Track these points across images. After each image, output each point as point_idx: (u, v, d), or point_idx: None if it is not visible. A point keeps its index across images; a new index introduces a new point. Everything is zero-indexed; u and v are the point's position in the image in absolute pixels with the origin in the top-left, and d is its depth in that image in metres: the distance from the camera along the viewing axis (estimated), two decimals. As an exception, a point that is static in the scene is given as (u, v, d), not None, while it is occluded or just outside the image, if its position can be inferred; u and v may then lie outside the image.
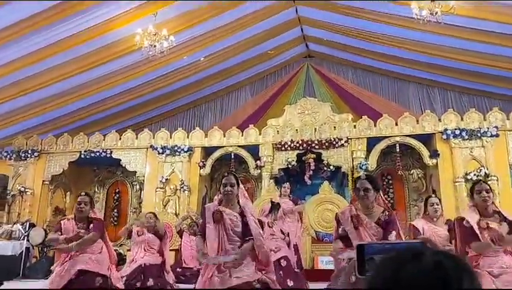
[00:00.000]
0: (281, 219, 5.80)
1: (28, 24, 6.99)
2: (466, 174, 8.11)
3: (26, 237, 8.10)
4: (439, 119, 8.77)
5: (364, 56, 10.71)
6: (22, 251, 7.65)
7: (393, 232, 3.26)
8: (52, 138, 10.10)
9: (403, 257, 0.73)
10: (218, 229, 3.52)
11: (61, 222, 4.24)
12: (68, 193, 10.47)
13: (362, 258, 0.88)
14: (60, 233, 4.10)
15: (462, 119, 8.64)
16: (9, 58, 7.74)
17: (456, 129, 8.46)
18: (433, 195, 4.86)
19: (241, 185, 3.74)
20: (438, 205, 4.53)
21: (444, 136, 8.50)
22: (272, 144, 9.28)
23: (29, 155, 9.84)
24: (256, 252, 3.54)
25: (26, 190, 9.50)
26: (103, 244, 4.21)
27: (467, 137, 8.38)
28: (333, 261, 3.63)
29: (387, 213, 3.36)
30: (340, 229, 3.45)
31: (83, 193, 4.31)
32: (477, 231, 3.47)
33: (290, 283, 5.15)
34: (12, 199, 9.36)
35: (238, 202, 3.66)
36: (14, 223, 8.69)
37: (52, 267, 4.25)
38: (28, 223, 8.45)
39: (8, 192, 9.18)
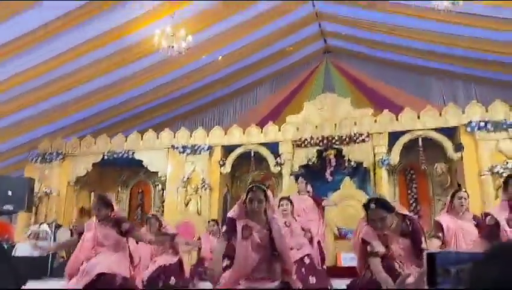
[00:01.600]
0: (296, 214, 5.69)
1: (46, 30, 7.16)
2: (492, 167, 7.90)
3: (52, 238, 8.30)
4: (463, 112, 8.54)
5: (383, 49, 10.55)
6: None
7: (423, 239, 3.15)
8: (75, 140, 10.31)
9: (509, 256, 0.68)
10: (245, 246, 3.47)
11: (85, 224, 4.40)
12: (93, 193, 10.68)
13: (433, 268, 0.82)
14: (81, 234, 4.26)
15: (486, 110, 8.40)
16: (31, 63, 7.92)
17: (480, 121, 8.22)
18: (463, 189, 4.65)
19: (270, 199, 3.57)
20: (465, 199, 4.29)
21: (469, 129, 8.28)
22: (292, 140, 9.24)
23: (54, 158, 10.08)
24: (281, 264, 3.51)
25: (52, 192, 9.73)
26: (125, 243, 4.21)
27: (492, 129, 8.13)
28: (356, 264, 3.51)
29: (408, 222, 3.21)
30: (369, 247, 3.22)
31: (96, 196, 4.41)
32: (505, 227, 3.27)
33: (313, 280, 5.11)
34: (39, 201, 9.61)
35: (265, 213, 3.54)
36: (41, 224, 8.92)
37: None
38: (54, 224, 8.66)
39: (35, 194, 9.40)
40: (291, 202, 5.58)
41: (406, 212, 3.38)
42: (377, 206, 3.15)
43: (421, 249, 3.10)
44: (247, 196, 3.51)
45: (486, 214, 3.51)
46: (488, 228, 3.39)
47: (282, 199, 5.67)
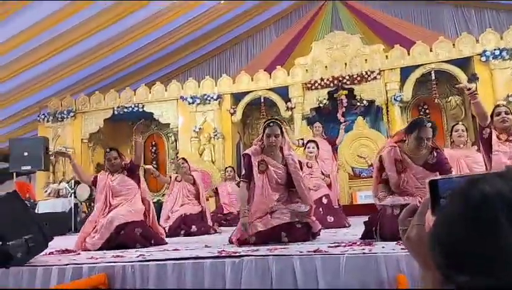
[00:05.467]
0: (320, 158, 5.77)
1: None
2: (508, 96, 7.71)
3: (73, 194, 8.48)
4: (477, 41, 8.26)
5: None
6: (71, 207, 8.02)
7: (453, 170, 3.20)
8: (84, 97, 10.27)
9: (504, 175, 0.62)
10: (262, 179, 3.50)
11: (95, 176, 4.51)
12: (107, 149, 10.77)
13: (436, 196, 0.75)
14: (94, 187, 4.45)
15: (501, 38, 8.09)
16: (30, 22, 7.75)
17: (495, 49, 7.95)
18: (460, 122, 4.76)
19: (286, 135, 3.63)
20: (463, 131, 4.45)
21: (483, 58, 8.01)
22: (302, 83, 9.06)
23: (65, 116, 10.11)
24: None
25: (68, 150, 9.81)
26: (139, 193, 4.30)
27: (507, 57, 7.88)
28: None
29: (435, 154, 3.21)
30: (384, 174, 3.31)
31: (108, 150, 4.51)
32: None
33: (330, 219, 5.21)
34: (56, 159, 9.74)
35: (281, 150, 3.57)
36: (60, 182, 9.09)
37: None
38: (73, 181, 8.80)
39: (51, 153, 9.51)
40: (317, 146, 5.69)
41: (437, 145, 3.41)
42: (432, 126, 3.20)
43: None
44: (264, 131, 3.52)
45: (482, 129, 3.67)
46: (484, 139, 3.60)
47: (309, 141, 5.80)
